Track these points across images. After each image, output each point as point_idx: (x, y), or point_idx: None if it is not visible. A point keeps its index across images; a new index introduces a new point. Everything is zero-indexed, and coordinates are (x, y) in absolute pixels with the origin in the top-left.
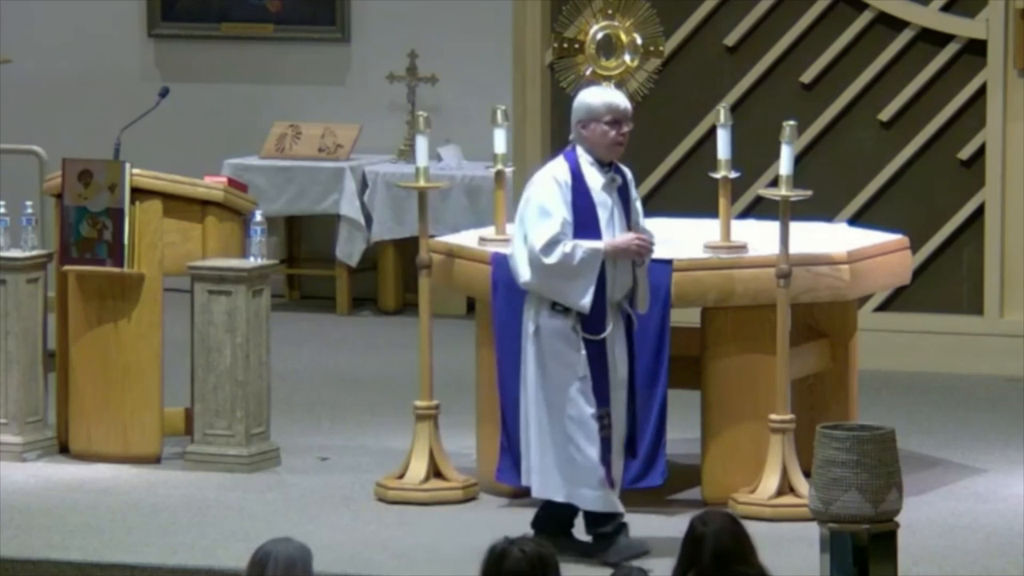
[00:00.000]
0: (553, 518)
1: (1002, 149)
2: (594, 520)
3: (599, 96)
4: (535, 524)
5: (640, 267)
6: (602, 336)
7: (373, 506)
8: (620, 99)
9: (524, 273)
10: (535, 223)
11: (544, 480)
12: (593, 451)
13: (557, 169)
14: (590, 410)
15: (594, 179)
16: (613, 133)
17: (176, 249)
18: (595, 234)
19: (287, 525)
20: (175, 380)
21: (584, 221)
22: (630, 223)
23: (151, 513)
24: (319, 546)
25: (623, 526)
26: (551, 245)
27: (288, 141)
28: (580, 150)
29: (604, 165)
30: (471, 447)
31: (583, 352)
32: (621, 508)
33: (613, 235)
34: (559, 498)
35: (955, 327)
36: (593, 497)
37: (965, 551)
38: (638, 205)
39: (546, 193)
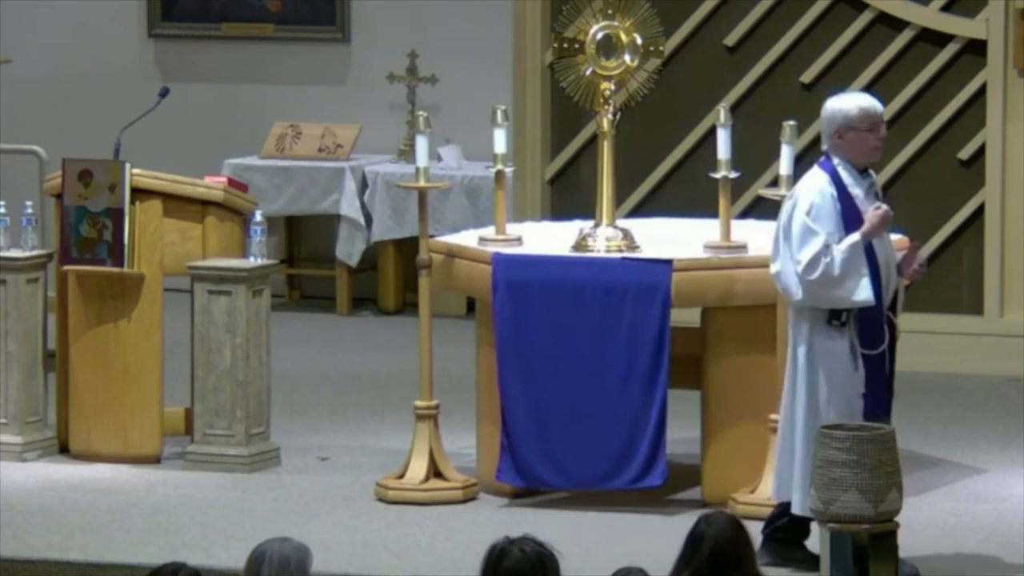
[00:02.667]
0: (793, 526)
1: (1002, 149)
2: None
3: (853, 102)
4: (768, 526)
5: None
6: (880, 349)
7: (373, 506)
8: (874, 103)
9: (796, 292)
10: (800, 242)
11: (805, 498)
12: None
13: (820, 182)
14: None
15: (855, 187)
16: (872, 138)
17: (176, 249)
18: (870, 243)
19: (287, 525)
20: (175, 380)
21: (854, 231)
22: (919, 242)
23: (151, 513)
24: (319, 546)
25: None
26: (812, 264)
27: (288, 141)
28: (836, 159)
29: (861, 171)
30: (471, 447)
31: (861, 369)
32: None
33: (883, 244)
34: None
35: (955, 327)
36: (799, 500)
37: (965, 551)
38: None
39: (814, 209)
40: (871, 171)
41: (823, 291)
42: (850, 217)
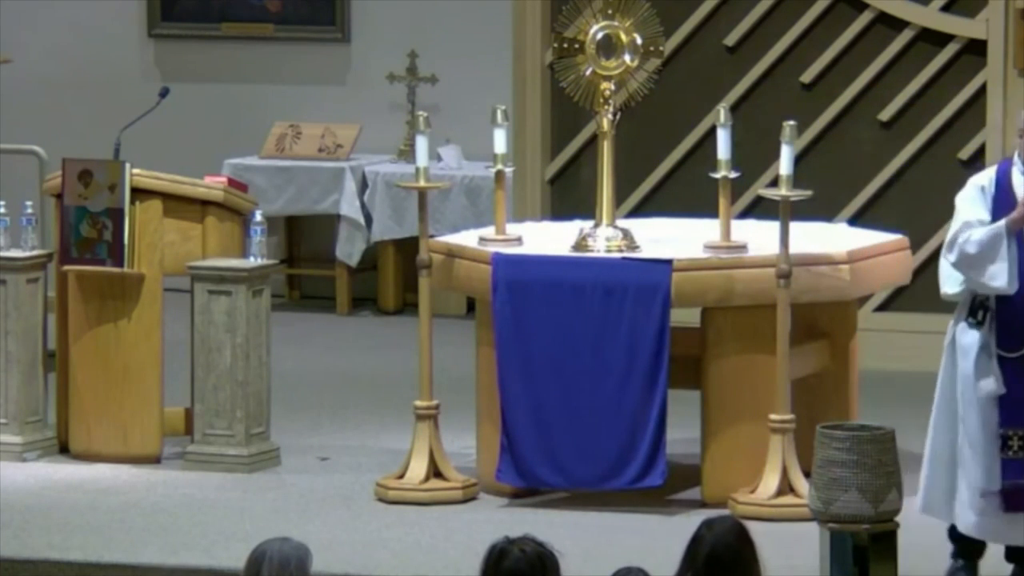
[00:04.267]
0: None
1: (1002, 149)
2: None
3: None
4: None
5: None
6: (1019, 353)
7: (373, 506)
8: None
9: (942, 284)
10: (951, 225)
11: (927, 498)
12: (980, 472)
13: (981, 175)
14: (994, 429)
15: (1022, 188)
16: None
17: (176, 249)
18: (1017, 244)
19: (287, 525)
20: (175, 380)
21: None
22: None
23: (151, 513)
24: (319, 546)
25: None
26: (951, 244)
27: (288, 141)
28: (1016, 158)
29: None
30: (471, 447)
31: (996, 369)
32: (1012, 540)
33: None
34: (945, 519)
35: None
36: (972, 522)
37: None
38: None
39: (964, 197)
40: None
41: (966, 273)
42: (1003, 214)
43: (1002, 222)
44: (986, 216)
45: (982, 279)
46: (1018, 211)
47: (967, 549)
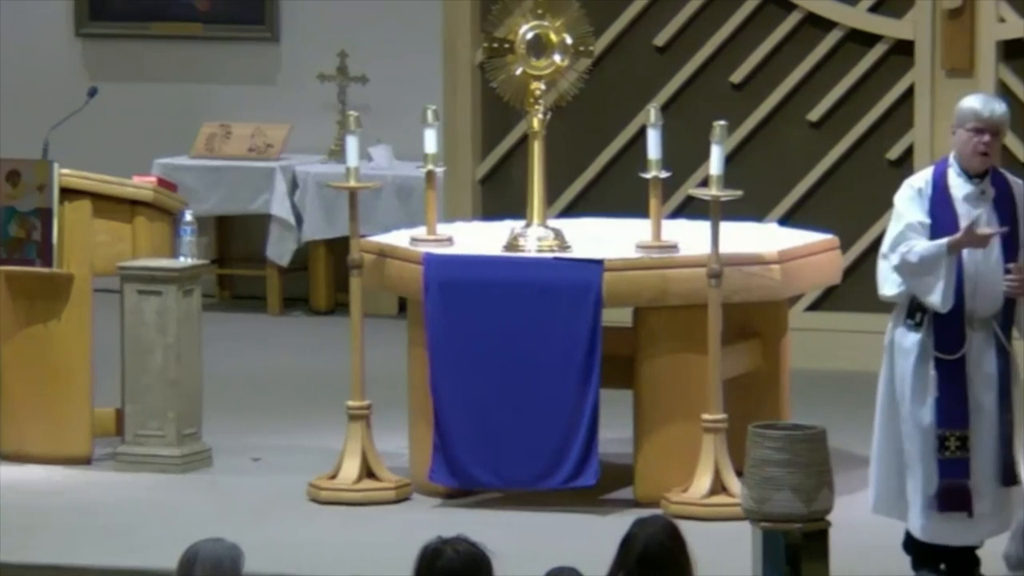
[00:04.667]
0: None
1: (930, 149)
2: (916, 547)
3: (970, 101)
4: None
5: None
6: (956, 355)
7: (306, 506)
8: (989, 106)
9: (880, 286)
10: (888, 228)
11: (878, 498)
12: (921, 474)
13: (918, 176)
14: (932, 428)
15: (958, 189)
16: (975, 141)
17: (106, 249)
18: None
19: (220, 526)
20: (107, 381)
21: (942, 232)
22: (1013, 239)
23: (83, 514)
24: (251, 546)
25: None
26: (891, 248)
27: (218, 141)
28: (951, 158)
29: (974, 175)
30: (404, 447)
31: (933, 372)
32: (960, 541)
33: (981, 253)
34: (899, 519)
35: (885, 326)
36: (918, 525)
37: (896, 549)
38: None
39: (901, 199)
40: (1009, 180)
41: (906, 279)
42: (938, 217)
43: (944, 241)
44: (925, 219)
45: (919, 291)
46: (961, 234)
47: (925, 557)
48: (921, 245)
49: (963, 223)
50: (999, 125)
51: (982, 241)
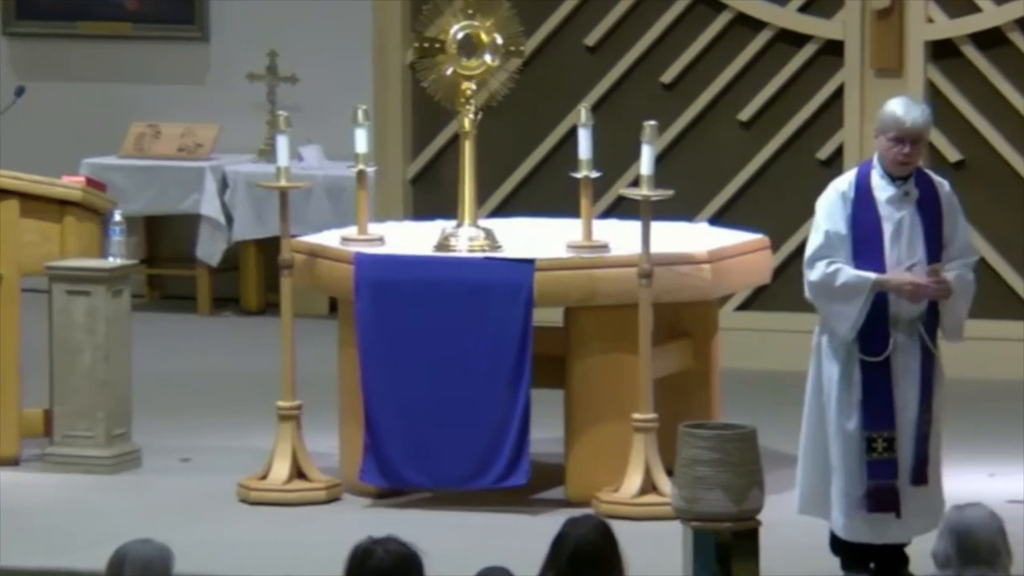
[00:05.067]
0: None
1: (860, 149)
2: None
3: (892, 107)
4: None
5: (946, 299)
6: (881, 357)
7: (236, 507)
8: (911, 115)
9: (806, 286)
10: (810, 236)
11: (803, 498)
12: (845, 474)
13: (842, 179)
14: (859, 432)
15: (882, 191)
16: (895, 151)
17: (34, 249)
18: (875, 250)
19: (149, 527)
20: (36, 381)
21: (865, 236)
22: (937, 241)
23: (10, 515)
24: (181, 547)
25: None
26: (813, 259)
27: (147, 140)
28: (875, 160)
29: (897, 177)
30: (334, 447)
31: (858, 374)
32: (884, 539)
33: (899, 251)
34: (824, 518)
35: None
36: (841, 524)
37: (826, 548)
38: (960, 220)
39: (824, 203)
40: (935, 180)
41: (817, 298)
42: (862, 220)
43: (872, 277)
44: (844, 229)
45: (828, 313)
46: (895, 282)
47: (853, 558)
48: (847, 273)
49: (885, 226)
50: (919, 134)
51: (912, 296)
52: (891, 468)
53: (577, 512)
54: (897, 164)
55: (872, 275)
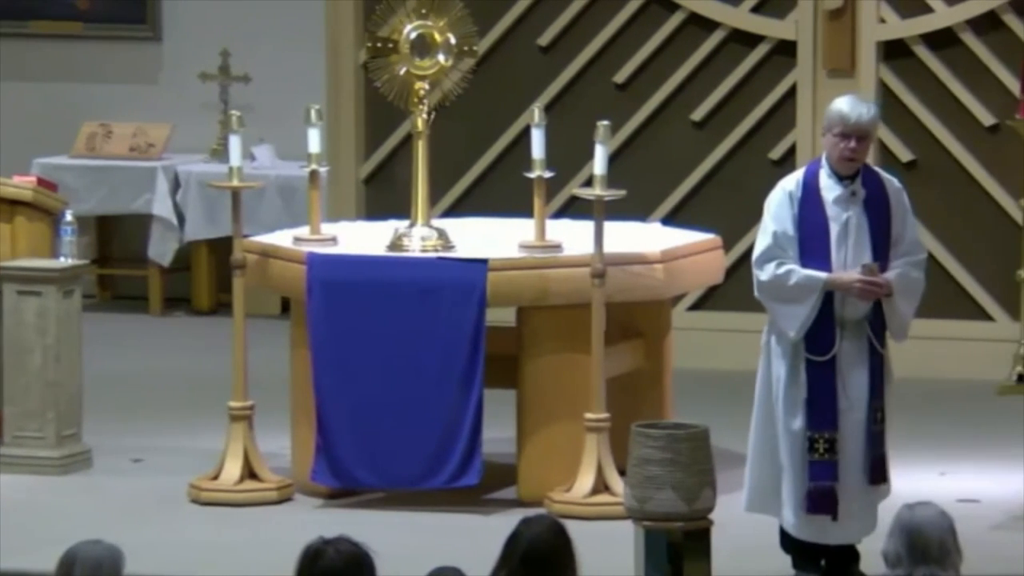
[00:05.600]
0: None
1: (812, 149)
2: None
3: (838, 104)
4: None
5: (888, 298)
6: (827, 357)
7: (187, 508)
8: (857, 111)
9: (755, 286)
10: (758, 236)
11: (752, 496)
12: (793, 473)
13: (790, 178)
14: (804, 432)
15: (829, 191)
16: (841, 146)
17: None
18: (822, 249)
19: (99, 527)
20: None
21: (812, 235)
22: (885, 240)
23: None
24: (132, 548)
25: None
26: (762, 260)
27: (99, 140)
28: (823, 159)
29: (844, 177)
30: (286, 447)
31: (803, 374)
32: (830, 540)
33: (846, 251)
34: (773, 515)
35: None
36: (791, 522)
37: (777, 548)
38: (909, 218)
39: (771, 203)
40: (884, 179)
41: (767, 298)
42: (808, 219)
43: (823, 276)
44: (791, 230)
45: (778, 313)
46: (846, 281)
47: (804, 556)
48: (799, 273)
49: (832, 226)
50: (866, 130)
51: (861, 295)
52: (831, 470)
53: (530, 512)
54: (843, 160)
55: (823, 275)
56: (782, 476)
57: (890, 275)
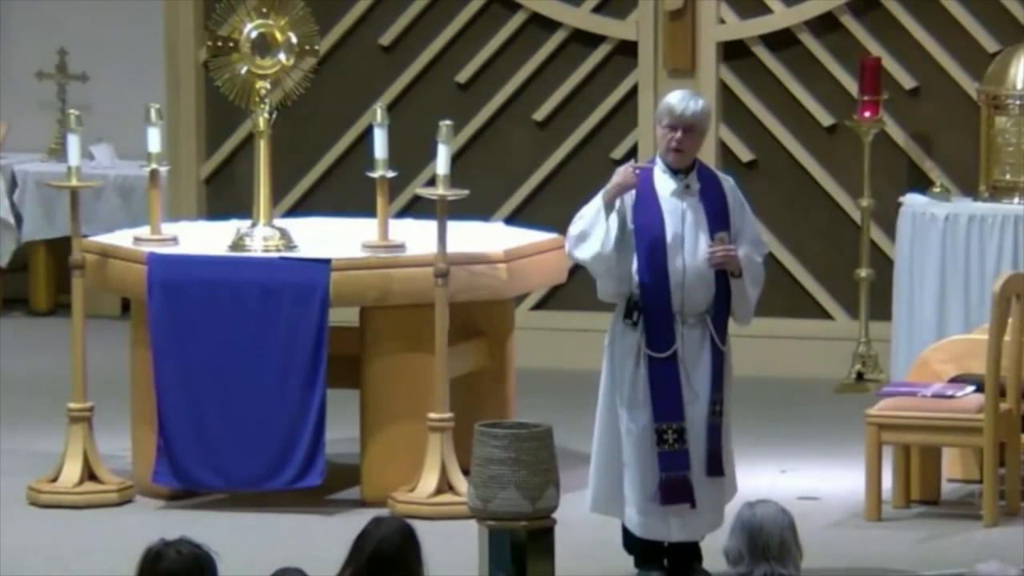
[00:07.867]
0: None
1: (653, 148)
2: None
3: (669, 98)
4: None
5: (737, 279)
6: (668, 353)
7: (26, 510)
8: (684, 103)
9: (567, 246)
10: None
11: (596, 496)
12: (638, 471)
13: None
14: (651, 425)
15: (664, 185)
16: (669, 137)
17: None
18: (658, 242)
19: None
20: None
21: (648, 226)
22: (723, 230)
23: None
24: None
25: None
26: (568, 236)
27: None
28: (658, 155)
29: (678, 171)
30: (126, 449)
31: (644, 369)
32: (673, 538)
33: (682, 244)
34: (617, 516)
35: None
36: (636, 521)
37: (619, 546)
38: (747, 214)
39: (604, 193)
40: (718, 176)
41: (573, 250)
42: (645, 212)
43: (598, 196)
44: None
45: (586, 253)
46: (615, 181)
47: (646, 555)
48: (584, 212)
49: (668, 219)
50: (692, 122)
51: (718, 264)
52: (683, 460)
53: (373, 513)
54: (670, 152)
55: (598, 196)
56: (624, 476)
57: (739, 253)
